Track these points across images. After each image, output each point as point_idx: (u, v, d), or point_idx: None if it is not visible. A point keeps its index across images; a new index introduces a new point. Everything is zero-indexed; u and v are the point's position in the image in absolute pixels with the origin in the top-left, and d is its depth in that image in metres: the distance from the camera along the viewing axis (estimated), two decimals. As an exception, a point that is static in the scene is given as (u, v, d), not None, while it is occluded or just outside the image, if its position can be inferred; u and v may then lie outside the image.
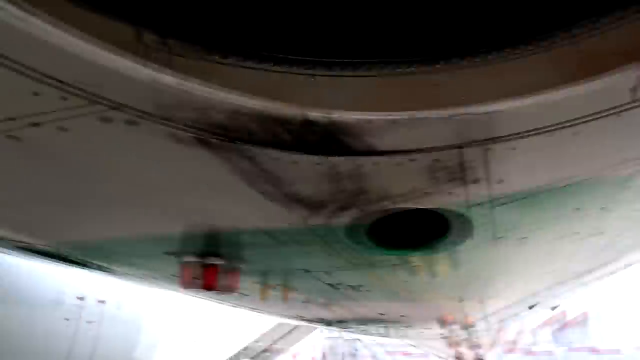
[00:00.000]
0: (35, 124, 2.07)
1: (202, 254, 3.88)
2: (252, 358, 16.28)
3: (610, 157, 2.58)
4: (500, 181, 2.67)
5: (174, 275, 4.45)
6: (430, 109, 2.07)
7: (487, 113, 2.03)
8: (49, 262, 5.33)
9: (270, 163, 2.29)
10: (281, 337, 16.22)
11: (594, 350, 24.30)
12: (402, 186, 2.66)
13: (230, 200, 2.83)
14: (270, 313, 9.02)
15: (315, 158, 2.25)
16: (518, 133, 2.22)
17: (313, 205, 2.80)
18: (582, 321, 25.23)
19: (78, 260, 4.76)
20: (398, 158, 2.30)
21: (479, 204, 2.97)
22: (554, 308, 10.10)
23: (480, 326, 9.30)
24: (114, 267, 5.01)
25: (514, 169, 2.56)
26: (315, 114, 1.99)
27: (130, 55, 1.78)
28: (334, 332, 18.46)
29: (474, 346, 10.68)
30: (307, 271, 4.51)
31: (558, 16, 2.30)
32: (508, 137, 2.23)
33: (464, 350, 10.98)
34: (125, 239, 3.66)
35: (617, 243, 4.53)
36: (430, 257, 3.99)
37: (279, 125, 2.03)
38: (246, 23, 2.29)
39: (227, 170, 2.36)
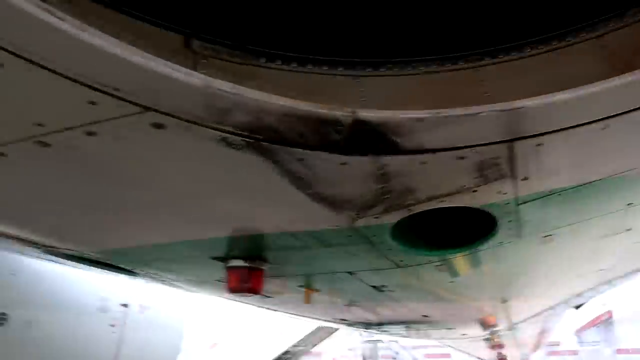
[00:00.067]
0: (91, 133, 2.11)
1: (248, 258, 3.92)
2: (291, 362, 16.31)
3: None
4: (526, 179, 2.64)
5: (219, 280, 4.50)
6: (479, 105, 2.06)
7: (538, 106, 2.01)
8: (95, 269, 5.44)
9: (320, 165, 2.30)
10: (320, 341, 16.20)
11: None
12: (450, 185, 2.64)
13: (277, 204, 2.85)
14: (312, 317, 9.03)
15: (365, 158, 2.26)
16: (569, 126, 2.20)
17: (360, 206, 2.81)
18: (607, 320, 24.56)
19: (124, 267, 4.85)
20: (447, 156, 2.29)
21: (527, 201, 2.94)
22: (578, 307, 9.87)
23: (505, 328, 9.16)
24: (160, 273, 5.09)
25: (539, 166, 2.53)
26: (365, 114, 2.00)
27: (183, 61, 1.82)
28: (374, 335, 18.35)
29: (498, 347, 10.50)
30: (351, 273, 4.51)
31: (586, 11, 2.29)
32: (533, 135, 2.22)
33: (505, 352, 10.82)
34: (172, 245, 3.72)
35: None
36: (476, 257, 3.96)
37: (329, 127, 2.04)
38: (291, 26, 2.33)
39: (276, 174, 2.38)
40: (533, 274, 5.39)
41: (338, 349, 24.61)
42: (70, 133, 2.13)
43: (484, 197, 2.79)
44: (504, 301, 6.75)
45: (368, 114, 2.01)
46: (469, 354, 15.08)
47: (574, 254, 4.82)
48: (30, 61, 1.73)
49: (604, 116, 2.16)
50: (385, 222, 3.03)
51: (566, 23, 2.33)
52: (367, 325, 8.91)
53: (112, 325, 8.30)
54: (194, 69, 2.01)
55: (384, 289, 5.15)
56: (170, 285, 6.08)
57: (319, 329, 15.22)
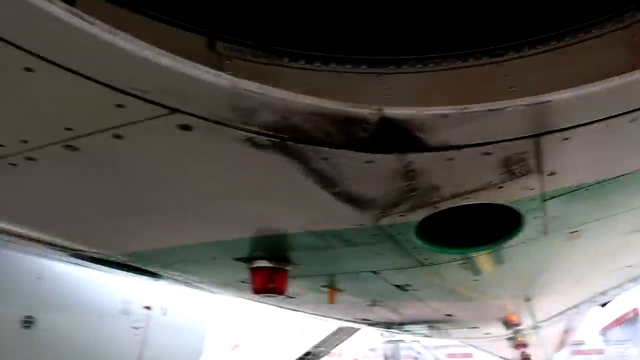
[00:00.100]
0: (118, 136, 2.14)
1: (272, 259, 3.93)
2: (312, 363, 16.31)
3: None
4: (552, 174, 2.62)
5: (242, 282, 4.52)
6: (505, 100, 2.04)
7: (565, 100, 1.99)
8: (118, 272, 5.50)
9: (345, 163, 2.30)
10: (341, 341, 16.18)
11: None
12: (475, 181, 2.62)
13: (302, 203, 2.86)
14: (334, 317, 9.02)
15: (390, 156, 2.25)
16: (597, 119, 2.17)
17: (385, 204, 2.80)
18: (633, 318, 24.10)
19: (148, 270, 4.89)
20: (449, 154, 2.28)
21: (530, 200, 2.91)
22: (603, 305, 9.72)
23: (528, 326, 9.05)
24: (184, 275, 5.13)
25: (567, 161, 2.51)
26: (391, 112, 2.00)
27: (208, 63, 1.83)
28: (395, 335, 18.28)
29: (522, 347, 10.37)
30: (375, 273, 4.49)
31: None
32: (560, 129, 2.19)
33: (529, 351, 10.70)
34: (197, 246, 3.74)
35: None
36: (501, 254, 3.92)
37: (355, 125, 2.04)
38: (313, 25, 2.33)
39: (301, 174, 2.38)
40: (558, 271, 5.32)
41: (359, 349, 24.58)
42: (98, 136, 2.16)
43: (510, 194, 2.76)
44: (528, 299, 6.67)
45: (394, 112, 2.01)
46: (492, 353, 14.95)
47: (600, 251, 4.74)
48: (60, 66, 1.75)
49: (632, 109, 2.12)
50: (410, 220, 3.02)
51: (592, 15, 2.30)
52: (390, 325, 8.88)
53: (135, 328, 8.39)
54: (220, 70, 2.02)
55: (407, 288, 5.13)
56: (194, 287, 6.12)
57: (340, 329, 15.21)
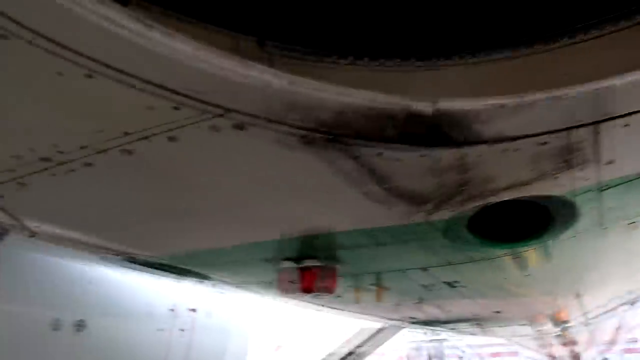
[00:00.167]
0: (147, 137, 2.18)
1: (300, 258, 3.95)
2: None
3: None
4: (610, 163, 2.53)
5: (271, 281, 4.55)
6: (536, 92, 1.99)
7: (627, 84, 1.93)
8: (145, 273, 5.60)
9: (375, 160, 2.29)
10: (366, 341, 16.07)
11: None
12: (506, 176, 2.57)
13: (331, 202, 2.86)
14: (379, 316, 8.98)
15: (420, 152, 2.23)
16: (632, 110, 2.10)
17: (414, 201, 2.77)
18: None
19: (175, 270, 4.97)
20: (503, 146, 2.24)
21: (586, 190, 2.82)
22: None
23: (578, 323, 8.80)
24: (211, 276, 5.19)
25: (626, 148, 2.42)
26: (420, 105, 1.97)
27: (241, 61, 1.84)
28: (420, 333, 18.08)
29: (570, 344, 10.10)
30: (402, 271, 4.47)
31: None
32: (620, 115, 2.12)
33: (559, 349, 10.44)
34: (224, 247, 3.78)
35: None
36: (530, 251, 3.83)
37: (384, 120, 2.02)
38: (361, 23, 2.32)
39: (331, 172, 2.38)
40: (612, 265, 5.16)
41: (402, 348, 24.36)
42: (153, 140, 2.21)
43: (565, 184, 2.69)
44: (579, 294, 6.50)
45: (449, 104, 1.98)
46: (539, 351, 14.64)
47: (636, 247, 4.56)
48: (119, 70, 1.79)
49: None
50: (461, 215, 2.98)
51: None
52: (435, 323, 8.79)
53: (181, 330, 8.51)
54: (255, 67, 2.03)
55: (456, 284, 5.06)
56: (240, 289, 6.17)
57: (382, 328, 15.12)
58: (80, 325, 6.55)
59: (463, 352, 24.12)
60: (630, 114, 2.11)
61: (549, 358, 10.74)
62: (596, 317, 8.94)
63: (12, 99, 2.00)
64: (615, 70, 1.95)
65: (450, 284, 5.05)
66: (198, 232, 3.60)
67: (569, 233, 3.42)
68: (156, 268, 4.96)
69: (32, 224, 3.58)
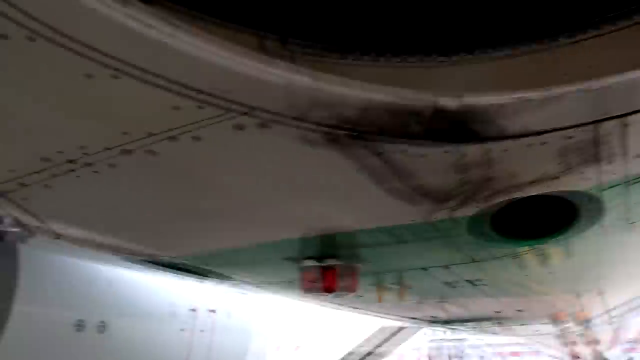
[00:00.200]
0: (196, 138, 2.18)
1: (322, 257, 3.94)
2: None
3: None
4: (639, 157, 2.48)
5: (292, 281, 4.54)
6: (562, 85, 1.95)
7: (630, 81, 1.89)
8: (166, 274, 5.62)
9: (399, 157, 2.27)
10: (385, 340, 16.01)
11: None
12: (531, 171, 2.54)
13: (354, 201, 2.85)
14: (380, 315, 8.94)
15: (444, 148, 2.21)
16: None
17: (438, 198, 2.75)
18: None
19: (197, 270, 4.97)
20: (529, 141, 2.21)
21: (613, 185, 2.78)
22: None
23: (600, 322, 8.67)
24: (232, 276, 5.19)
25: None
26: (445, 100, 1.95)
27: (265, 59, 1.84)
28: (440, 333, 17.98)
29: (593, 343, 9.95)
30: (424, 269, 4.44)
31: None
32: None
33: (581, 348, 10.29)
34: (246, 246, 3.77)
35: None
36: (554, 247, 3.77)
37: (409, 116, 2.00)
38: (380, 21, 2.30)
39: (355, 170, 2.37)
40: (636, 261, 5.08)
41: (421, 348, 24.26)
42: (177, 140, 2.21)
43: (592, 179, 2.65)
44: (602, 292, 6.42)
45: (474, 99, 1.96)
46: (561, 350, 14.47)
47: None
48: (145, 71, 1.80)
49: None
50: (485, 211, 2.95)
51: None
52: (456, 322, 8.73)
53: (201, 331, 8.56)
54: (279, 65, 2.03)
55: (478, 282, 5.02)
56: (242, 287, 6.17)
57: (401, 328, 15.07)
58: (102, 326, 6.62)
59: (483, 351, 23.94)
60: None
61: (571, 357, 10.59)
62: (620, 315, 8.81)
63: (44, 103, 2.02)
64: (614, 69, 1.92)
65: (473, 282, 5.00)
66: (221, 232, 3.61)
67: (594, 228, 3.37)
68: (178, 269, 4.97)
69: (57, 226, 3.62)
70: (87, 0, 1.52)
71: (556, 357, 13.77)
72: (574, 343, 9.90)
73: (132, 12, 1.57)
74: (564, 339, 9.77)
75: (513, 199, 2.79)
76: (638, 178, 2.74)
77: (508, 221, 3.17)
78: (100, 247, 4.20)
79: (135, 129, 2.18)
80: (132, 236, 3.90)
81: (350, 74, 2.06)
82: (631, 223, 3.45)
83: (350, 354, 15.88)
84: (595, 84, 1.92)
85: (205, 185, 2.75)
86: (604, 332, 9.83)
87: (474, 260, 4.05)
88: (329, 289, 3.98)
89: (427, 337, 21.01)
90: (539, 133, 2.18)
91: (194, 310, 8.34)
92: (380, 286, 5.18)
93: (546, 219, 3.29)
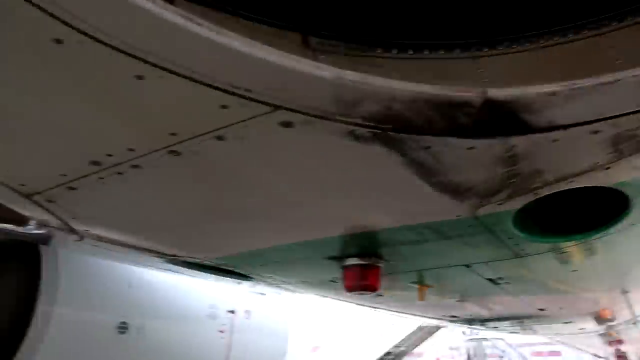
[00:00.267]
0: (220, 138, 2.18)
1: (365, 256, 3.90)
2: (394, 362, 16.15)
3: None
4: None
5: (332, 281, 4.51)
6: (611, 72, 1.91)
7: None
8: (209, 276, 5.63)
9: (447, 151, 2.24)
10: (422, 340, 15.94)
11: None
12: (581, 163, 2.49)
13: (400, 197, 2.82)
14: (419, 314, 8.88)
15: (493, 141, 2.17)
16: None
17: (485, 192, 2.71)
18: None
19: (236, 271, 4.97)
20: (580, 131, 2.15)
21: None
22: None
23: (625, 321, 8.50)
24: (276, 276, 5.17)
25: None
26: (496, 93, 1.92)
27: (311, 54, 1.84)
28: (480, 332, 17.78)
29: (617, 344, 9.77)
30: (467, 266, 4.38)
31: None
32: None
33: (605, 348, 10.12)
34: (291, 246, 3.76)
35: None
36: (604, 242, 3.70)
37: (458, 110, 1.98)
38: (403, 14, 2.28)
39: (402, 165, 2.35)
40: None
41: (441, 348, 24.08)
42: (201, 140, 2.22)
43: (618, 174, 2.60)
44: (626, 292, 6.30)
45: (498, 93, 1.93)
46: (583, 350, 14.25)
47: None
48: (169, 70, 1.80)
49: None
50: (509, 209, 2.91)
51: None
52: (476, 321, 8.64)
53: (221, 332, 8.59)
54: (326, 62, 2.02)
55: (499, 281, 4.96)
56: (282, 288, 6.17)
57: (420, 328, 15.00)
58: (122, 328, 6.67)
59: (503, 351, 23.70)
60: None
61: (594, 357, 10.41)
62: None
63: (96, 106, 2.05)
64: None
65: (494, 281, 4.95)
66: (265, 232, 3.61)
67: (620, 226, 3.31)
68: (220, 270, 4.98)
69: (101, 230, 3.67)
70: (138, 0, 1.53)
71: (600, 357, 13.52)
72: (619, 342, 9.73)
73: (182, 12, 1.58)
74: (586, 339, 9.59)
75: (538, 195, 2.74)
76: None
77: (554, 215, 3.13)
78: (144, 250, 4.23)
79: (183, 129, 2.19)
80: (176, 238, 3.92)
81: (372, 71, 2.05)
82: None
83: (387, 353, 15.85)
84: (627, 74, 1.88)
85: (250, 184, 2.75)
86: (628, 333, 9.65)
87: (517, 256, 3.98)
88: (371, 288, 3.96)
89: (465, 336, 20.78)
90: (565, 127, 2.14)
91: (232, 312, 8.37)
92: (421, 284, 5.13)
93: (593, 212, 3.23)
